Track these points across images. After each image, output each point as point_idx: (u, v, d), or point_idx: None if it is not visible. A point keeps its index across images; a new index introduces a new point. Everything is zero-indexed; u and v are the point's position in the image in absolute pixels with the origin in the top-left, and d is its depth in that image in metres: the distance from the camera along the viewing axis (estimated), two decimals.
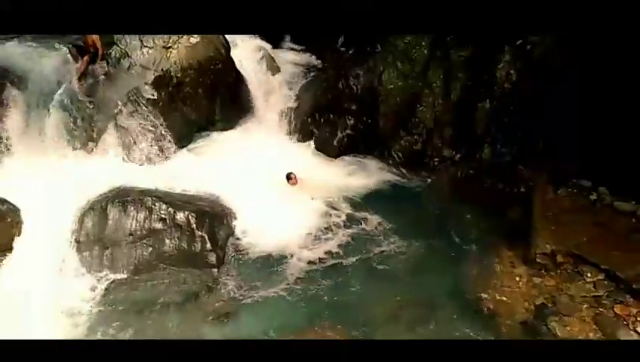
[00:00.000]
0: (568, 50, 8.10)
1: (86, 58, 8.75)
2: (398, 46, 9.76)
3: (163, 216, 7.36)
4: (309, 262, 7.62)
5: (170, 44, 9.56)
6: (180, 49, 9.54)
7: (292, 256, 7.72)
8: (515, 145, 9.22)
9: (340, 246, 7.97)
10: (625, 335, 6.15)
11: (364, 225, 8.39)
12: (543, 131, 9.00)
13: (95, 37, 8.75)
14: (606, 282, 6.90)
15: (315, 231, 8.21)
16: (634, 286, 6.63)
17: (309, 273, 7.45)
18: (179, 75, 9.43)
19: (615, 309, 6.53)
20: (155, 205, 7.41)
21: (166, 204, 7.48)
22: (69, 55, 8.77)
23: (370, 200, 8.98)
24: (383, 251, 7.90)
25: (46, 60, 8.58)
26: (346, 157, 10.05)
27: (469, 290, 7.13)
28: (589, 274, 7.04)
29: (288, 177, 8.93)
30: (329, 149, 10.07)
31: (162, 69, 9.32)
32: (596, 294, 6.78)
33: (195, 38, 9.67)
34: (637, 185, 7.94)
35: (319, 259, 7.71)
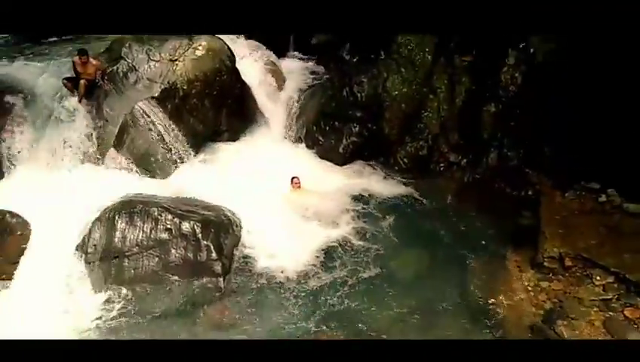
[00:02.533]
0: (573, 52, 8.03)
1: (83, 82, 8.87)
2: (402, 52, 9.80)
3: (169, 226, 7.43)
4: (315, 271, 7.61)
5: (176, 57, 9.74)
6: (185, 62, 9.69)
7: (297, 264, 7.71)
8: (522, 149, 9.15)
9: (345, 253, 7.95)
10: (635, 339, 6.02)
11: (370, 232, 8.35)
12: (550, 134, 8.93)
13: (95, 62, 9.00)
14: (616, 285, 6.79)
15: (320, 238, 8.20)
16: None
17: (315, 281, 7.43)
18: (185, 88, 9.56)
19: (625, 312, 6.43)
20: (161, 215, 7.49)
21: (172, 214, 7.55)
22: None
23: (376, 207, 8.97)
24: (389, 258, 7.87)
25: (50, 76, 8.79)
26: (352, 164, 10.06)
27: (477, 296, 7.08)
28: (598, 277, 6.93)
29: (292, 181, 8.96)
30: (334, 156, 10.09)
31: (168, 82, 9.46)
32: (605, 297, 6.68)
33: (200, 51, 9.83)
34: None
35: (325, 267, 7.69)
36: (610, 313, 6.49)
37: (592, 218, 7.88)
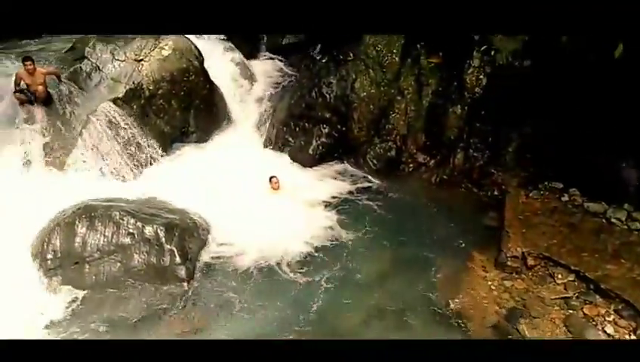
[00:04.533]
0: (535, 52, 8.18)
1: (38, 93, 8.26)
2: (370, 54, 9.83)
3: (131, 230, 7.27)
4: (283, 271, 7.58)
5: (142, 57, 9.57)
6: (151, 61, 9.55)
7: (267, 266, 7.67)
8: (487, 149, 9.28)
9: (316, 254, 7.92)
10: (593, 336, 6.16)
11: (341, 233, 8.35)
12: (515, 135, 9.09)
13: (44, 69, 8.42)
14: (576, 283, 6.94)
15: (292, 239, 8.14)
16: (602, 286, 6.67)
17: (284, 284, 7.39)
18: (151, 88, 9.43)
19: (584, 310, 6.56)
20: (123, 219, 7.33)
21: (134, 217, 7.39)
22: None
23: (345, 208, 8.98)
24: (359, 259, 7.87)
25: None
26: (322, 166, 10.05)
27: (441, 296, 7.12)
28: (559, 276, 7.07)
29: (270, 180, 8.88)
30: (304, 158, 10.06)
31: (134, 82, 9.32)
32: (566, 296, 6.81)
33: (166, 51, 9.69)
34: (608, 186, 8.02)
35: (294, 268, 7.65)
36: (571, 311, 6.62)
37: (554, 217, 8.03)
